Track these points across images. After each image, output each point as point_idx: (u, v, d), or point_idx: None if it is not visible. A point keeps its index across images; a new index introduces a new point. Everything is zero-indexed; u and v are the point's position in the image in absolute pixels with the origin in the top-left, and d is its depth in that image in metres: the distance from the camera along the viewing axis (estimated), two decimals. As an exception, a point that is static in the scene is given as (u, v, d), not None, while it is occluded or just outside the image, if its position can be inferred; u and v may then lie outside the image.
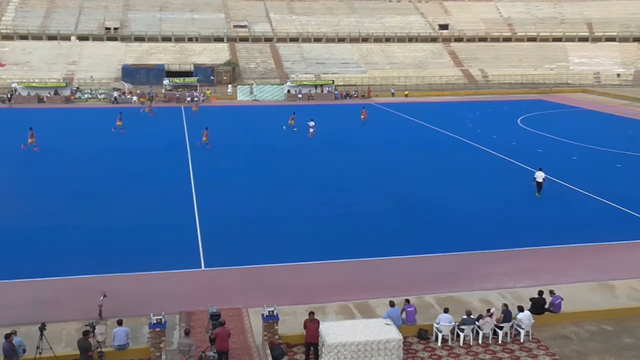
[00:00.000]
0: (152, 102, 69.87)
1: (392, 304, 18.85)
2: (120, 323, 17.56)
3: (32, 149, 43.44)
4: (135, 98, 72.74)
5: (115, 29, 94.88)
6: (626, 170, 39.15)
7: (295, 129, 52.43)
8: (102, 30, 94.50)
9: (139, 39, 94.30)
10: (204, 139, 45.90)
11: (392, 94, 79.86)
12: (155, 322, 16.99)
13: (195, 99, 72.44)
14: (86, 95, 73.87)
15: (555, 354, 17.50)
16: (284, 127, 53.45)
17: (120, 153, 43.67)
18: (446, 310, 18.53)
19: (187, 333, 16.86)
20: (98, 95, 73.88)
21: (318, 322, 17.22)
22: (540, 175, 33.44)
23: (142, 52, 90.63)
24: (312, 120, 51.07)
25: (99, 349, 16.79)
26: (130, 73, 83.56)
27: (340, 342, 16.63)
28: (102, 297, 18.93)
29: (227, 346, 16.60)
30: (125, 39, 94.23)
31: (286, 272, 23.17)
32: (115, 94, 73.15)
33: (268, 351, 17.06)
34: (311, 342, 17.11)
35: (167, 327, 17.36)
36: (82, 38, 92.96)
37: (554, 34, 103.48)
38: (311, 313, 17.55)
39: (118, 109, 61.45)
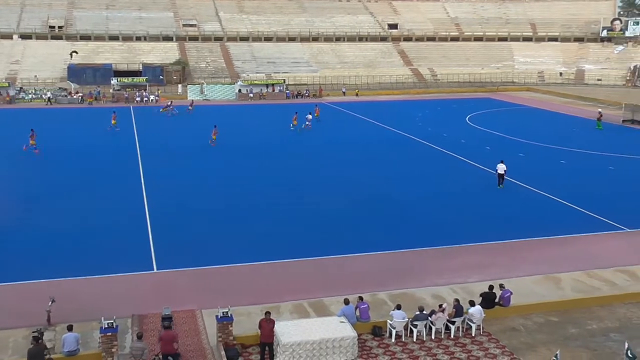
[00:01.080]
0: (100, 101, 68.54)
1: (346, 302, 18.95)
2: (70, 328, 17.10)
3: (33, 151, 42.34)
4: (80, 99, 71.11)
5: (60, 27, 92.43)
6: (570, 167, 40.47)
7: (292, 127, 53.17)
8: (46, 28, 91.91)
9: (85, 37, 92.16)
10: (213, 137, 46.15)
11: (343, 93, 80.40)
12: (106, 326, 16.66)
13: (145, 98, 71.38)
14: (30, 96, 71.63)
15: (505, 347, 17.92)
16: (291, 126, 53.92)
17: (67, 154, 42.74)
18: (398, 307, 18.74)
19: (139, 337, 16.59)
20: (43, 96, 71.71)
21: (273, 322, 17.21)
22: (501, 167, 34.75)
23: (89, 51, 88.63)
24: (310, 114, 54.06)
25: (47, 356, 16.33)
26: (76, 73, 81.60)
27: (295, 342, 16.67)
28: (50, 303, 18.45)
29: (172, 349, 16.35)
30: (70, 37, 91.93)
31: (240, 272, 23.04)
32: (49, 94, 70.99)
33: (223, 352, 16.91)
34: (266, 342, 17.08)
35: (119, 331, 17.06)
36: (25, 37, 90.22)
37: (499, 33, 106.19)
38: (267, 313, 17.51)
39: (55, 109, 59.78)
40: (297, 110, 56.38)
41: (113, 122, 52.50)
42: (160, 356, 16.49)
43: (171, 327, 16.79)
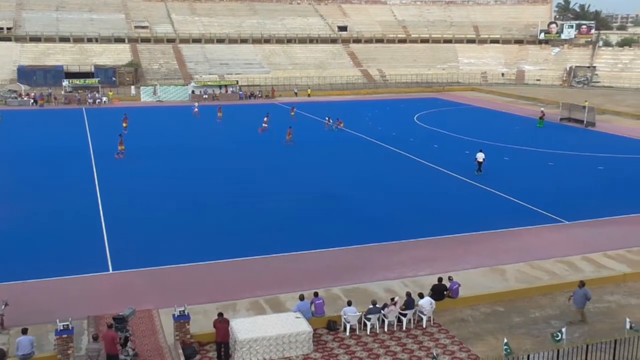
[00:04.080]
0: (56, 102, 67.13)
1: (301, 298, 19.42)
2: (25, 332, 16.97)
3: (119, 156, 41.48)
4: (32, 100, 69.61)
5: (9, 28, 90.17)
6: (512, 163, 41.97)
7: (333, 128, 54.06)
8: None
9: (35, 39, 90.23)
10: (287, 137, 46.25)
11: (296, 93, 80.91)
12: (62, 328, 16.61)
13: (97, 100, 70.45)
14: None
15: (454, 337, 18.61)
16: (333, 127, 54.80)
17: (18, 156, 42.29)
18: (349, 303, 19.20)
19: (95, 338, 16.61)
20: None
21: (227, 322, 17.35)
22: (480, 156, 38.01)
23: (39, 53, 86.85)
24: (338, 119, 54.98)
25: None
26: (26, 74, 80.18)
27: (252, 338, 17.00)
28: (3, 306, 18.28)
29: (114, 350, 16.36)
30: (19, 39, 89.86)
31: (195, 271, 23.24)
32: None
33: (180, 351, 17.08)
34: (221, 342, 17.20)
35: (74, 333, 17.04)
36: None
37: (444, 36, 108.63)
38: (220, 314, 17.62)
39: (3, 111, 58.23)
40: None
41: (124, 124, 52.04)
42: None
43: (116, 327, 16.46)
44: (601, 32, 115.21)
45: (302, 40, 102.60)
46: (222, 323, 17.23)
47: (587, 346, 16.43)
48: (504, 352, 15.99)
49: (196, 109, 62.79)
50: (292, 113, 61.40)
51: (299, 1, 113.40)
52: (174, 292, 21.16)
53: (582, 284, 19.80)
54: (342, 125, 54.66)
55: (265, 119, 53.85)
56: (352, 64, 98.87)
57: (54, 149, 44.93)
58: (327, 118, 55.85)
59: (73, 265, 23.22)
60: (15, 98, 69.99)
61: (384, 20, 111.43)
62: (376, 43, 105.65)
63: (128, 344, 16.65)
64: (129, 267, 23.28)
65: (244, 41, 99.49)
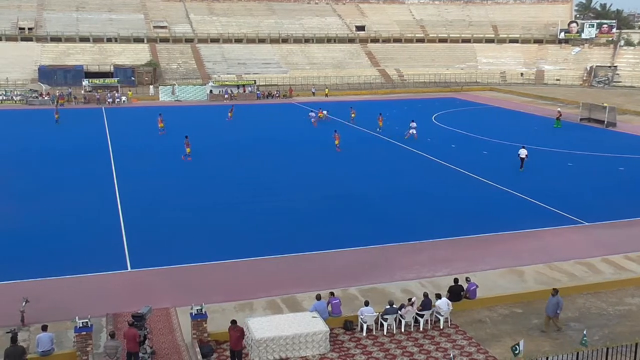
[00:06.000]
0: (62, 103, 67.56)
1: (318, 297, 19.41)
2: (44, 328, 17.17)
3: (187, 159, 41.22)
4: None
5: (30, 29, 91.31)
6: (532, 163, 41.50)
7: (378, 130, 52.62)
8: (15, 30, 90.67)
9: (55, 39, 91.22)
10: (336, 142, 45.50)
11: (313, 93, 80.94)
12: (81, 325, 16.75)
13: (117, 99, 71.06)
14: (1, 97, 70.65)
15: (472, 338, 18.51)
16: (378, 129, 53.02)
17: (41, 155, 42.71)
18: (366, 303, 19.17)
19: (112, 335, 16.72)
20: (13, 97, 70.79)
21: (240, 330, 17.06)
22: (523, 152, 38.62)
23: (59, 53, 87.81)
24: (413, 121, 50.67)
25: (25, 356, 16.43)
26: (47, 74, 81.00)
27: (269, 337, 17.04)
28: (24, 303, 18.50)
29: (134, 348, 16.41)
30: (40, 39, 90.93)
31: (213, 270, 23.34)
32: None
33: (197, 349, 17.17)
34: (233, 349, 16.96)
35: (93, 330, 17.17)
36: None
37: (463, 35, 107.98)
38: (233, 321, 17.29)
39: (27, 110, 59.01)
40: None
41: (160, 125, 51.46)
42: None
43: (135, 325, 16.60)
44: (623, 31, 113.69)
45: (319, 40, 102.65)
46: (234, 331, 17.00)
47: (607, 349, 16.25)
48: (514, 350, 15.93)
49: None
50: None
51: (316, 1, 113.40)
52: (191, 290, 21.25)
53: (555, 291, 19.37)
54: (381, 123, 53.60)
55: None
56: (370, 63, 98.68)
57: (74, 147, 45.38)
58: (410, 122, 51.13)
59: (92, 263, 23.43)
60: (36, 97, 70.95)
61: (402, 20, 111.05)
62: (394, 43, 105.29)
63: (146, 341, 16.79)
64: (147, 266, 23.45)
65: (261, 41, 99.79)
